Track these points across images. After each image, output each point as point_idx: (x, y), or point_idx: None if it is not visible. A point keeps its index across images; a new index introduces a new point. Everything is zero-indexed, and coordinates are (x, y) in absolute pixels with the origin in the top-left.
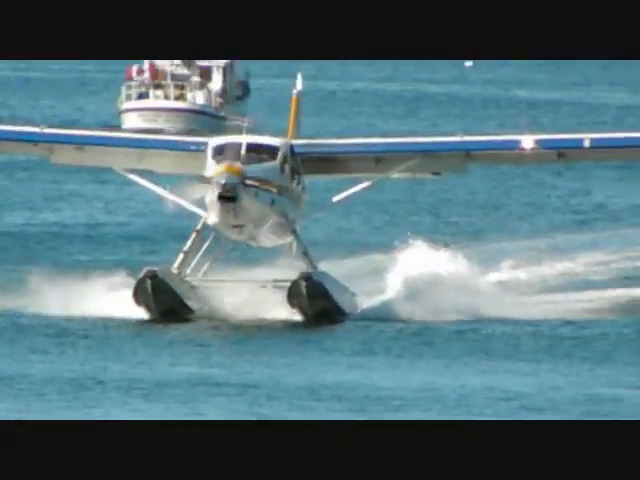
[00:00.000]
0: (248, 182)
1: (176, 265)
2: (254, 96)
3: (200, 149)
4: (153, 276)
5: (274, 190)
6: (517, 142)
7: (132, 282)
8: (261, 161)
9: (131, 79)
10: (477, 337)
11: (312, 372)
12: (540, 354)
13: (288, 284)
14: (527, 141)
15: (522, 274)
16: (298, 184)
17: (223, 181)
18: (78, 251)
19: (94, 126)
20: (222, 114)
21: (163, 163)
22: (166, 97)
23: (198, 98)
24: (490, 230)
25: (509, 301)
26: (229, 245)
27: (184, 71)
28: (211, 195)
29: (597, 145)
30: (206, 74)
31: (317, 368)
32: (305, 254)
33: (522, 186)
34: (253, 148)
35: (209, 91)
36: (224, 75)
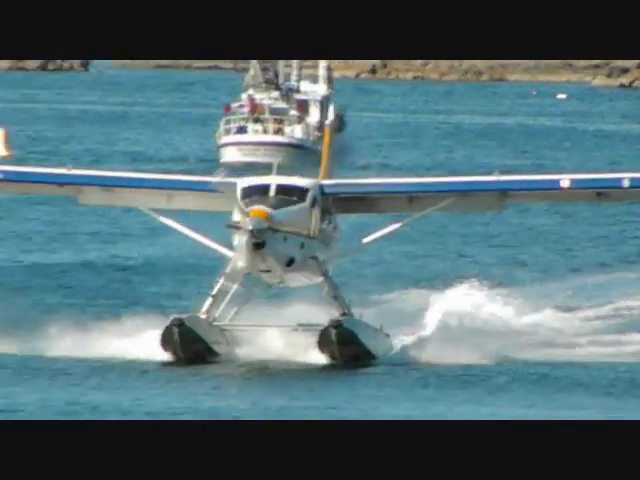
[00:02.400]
0: (276, 227)
1: (204, 309)
2: (348, 129)
3: (229, 190)
4: (180, 324)
5: (303, 233)
6: (556, 182)
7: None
8: (290, 203)
9: (230, 113)
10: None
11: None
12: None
13: (319, 327)
14: (565, 181)
15: (570, 315)
16: (329, 224)
17: (250, 227)
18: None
19: (190, 160)
20: (319, 148)
21: (192, 203)
22: (265, 131)
23: (296, 132)
24: (550, 266)
25: (550, 344)
26: (260, 287)
27: (282, 105)
28: (239, 240)
29: (637, 185)
30: (303, 108)
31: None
32: (336, 297)
33: (591, 218)
34: (282, 190)
35: (307, 125)
36: (321, 108)
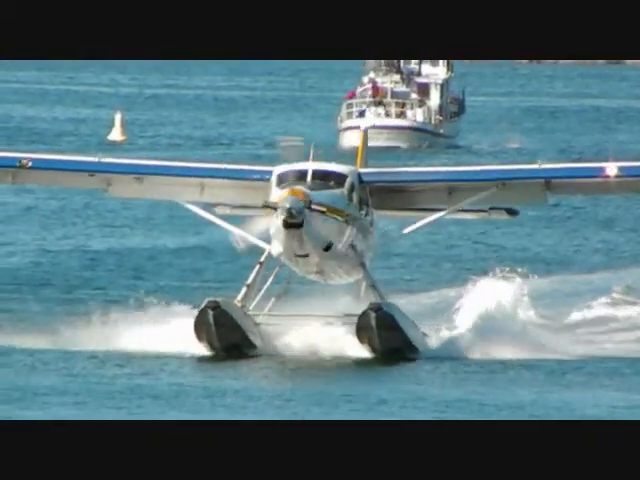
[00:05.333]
0: (314, 207)
1: (239, 298)
2: (469, 113)
3: (264, 178)
4: (215, 307)
5: (341, 218)
6: (601, 169)
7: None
8: (328, 188)
9: (354, 97)
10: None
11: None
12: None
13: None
14: (611, 168)
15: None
16: (366, 215)
17: (287, 205)
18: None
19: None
20: (441, 131)
21: (226, 195)
22: (387, 115)
23: (418, 115)
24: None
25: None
26: (294, 279)
27: (403, 88)
28: (275, 222)
29: None
30: (424, 91)
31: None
32: (374, 287)
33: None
34: (319, 175)
35: (428, 108)
36: (441, 92)
